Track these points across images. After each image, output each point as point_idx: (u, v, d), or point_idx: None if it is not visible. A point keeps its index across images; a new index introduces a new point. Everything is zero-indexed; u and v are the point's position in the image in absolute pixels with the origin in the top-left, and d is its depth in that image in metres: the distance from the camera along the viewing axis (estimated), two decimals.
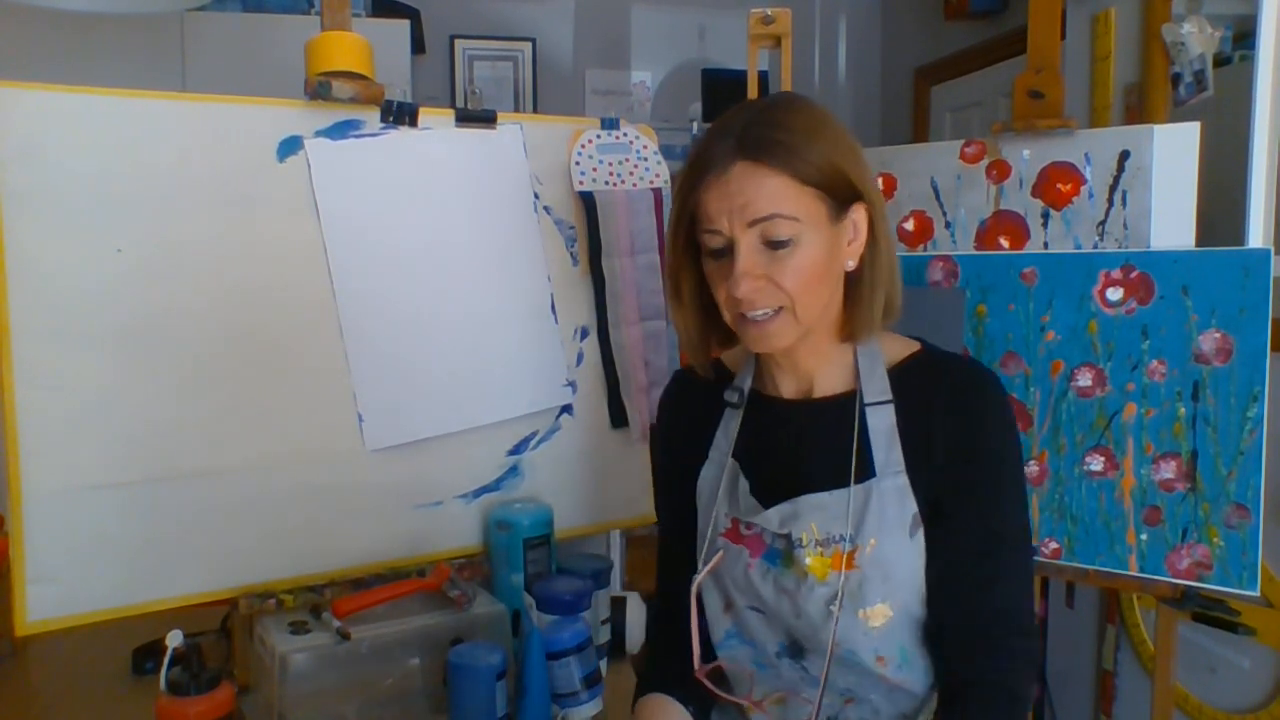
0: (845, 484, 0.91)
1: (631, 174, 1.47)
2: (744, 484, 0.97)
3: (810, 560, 0.91)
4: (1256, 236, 1.30)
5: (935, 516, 0.91)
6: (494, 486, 1.38)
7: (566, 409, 1.43)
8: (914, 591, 0.91)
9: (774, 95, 0.94)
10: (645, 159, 1.48)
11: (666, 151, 1.51)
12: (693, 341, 0.99)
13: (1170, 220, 1.35)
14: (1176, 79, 1.67)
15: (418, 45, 3.19)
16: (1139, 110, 1.95)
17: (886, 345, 0.97)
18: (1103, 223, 1.39)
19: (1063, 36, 2.02)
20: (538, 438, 1.41)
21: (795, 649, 0.96)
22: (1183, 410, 1.31)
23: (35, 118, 1.08)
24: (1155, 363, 1.32)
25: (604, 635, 1.32)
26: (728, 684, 1.01)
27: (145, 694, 1.17)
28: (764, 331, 0.90)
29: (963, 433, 0.91)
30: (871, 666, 0.92)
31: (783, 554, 0.93)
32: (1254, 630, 1.64)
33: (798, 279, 0.87)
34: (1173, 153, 1.35)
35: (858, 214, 0.91)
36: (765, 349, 0.92)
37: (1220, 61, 1.69)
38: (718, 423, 1.02)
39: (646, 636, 1.10)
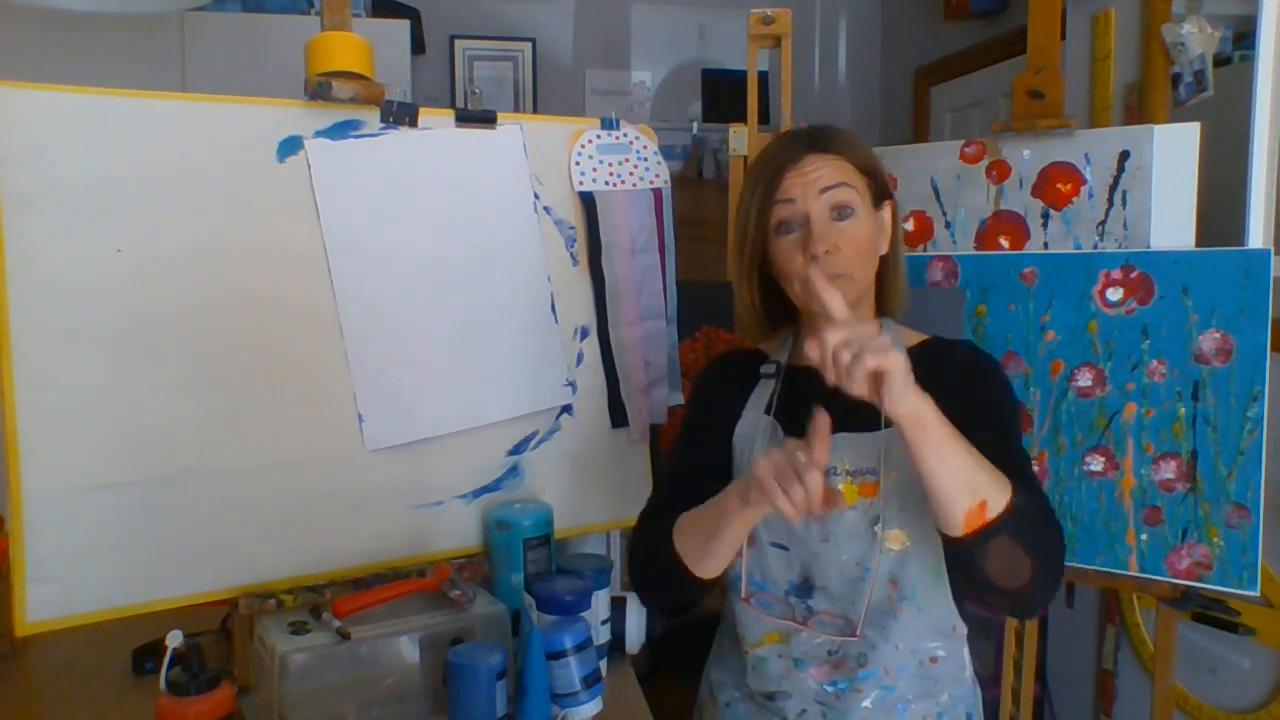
0: (872, 429, 1.03)
1: (632, 174, 1.47)
2: (780, 433, 1.09)
3: (843, 487, 1.04)
4: (1256, 236, 1.31)
5: None
6: (494, 486, 1.38)
7: (566, 409, 1.43)
8: (929, 524, 0.98)
9: (818, 124, 1.14)
10: (645, 159, 1.48)
11: (666, 151, 1.51)
12: (753, 312, 1.14)
13: (1170, 220, 1.35)
14: (1176, 79, 1.67)
15: (418, 45, 3.19)
16: (1139, 110, 1.95)
17: (903, 333, 1.13)
18: (1103, 223, 1.39)
19: (1063, 36, 2.02)
20: (538, 438, 1.41)
21: (804, 587, 1.07)
22: (1183, 410, 1.31)
23: (35, 118, 1.08)
24: (1155, 363, 1.32)
25: (604, 635, 1.32)
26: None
27: (145, 694, 1.17)
28: None
29: (968, 390, 1.02)
30: (885, 590, 1.03)
31: None
32: (1254, 630, 1.64)
33: (856, 248, 1.04)
34: (1173, 153, 1.35)
35: (887, 210, 1.10)
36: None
37: (1220, 61, 1.69)
38: (751, 392, 1.15)
39: (639, 548, 1.13)
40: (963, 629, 1.09)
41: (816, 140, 1.06)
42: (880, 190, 1.09)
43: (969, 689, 1.11)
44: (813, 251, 1.02)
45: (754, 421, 1.12)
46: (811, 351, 0.86)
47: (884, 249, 1.09)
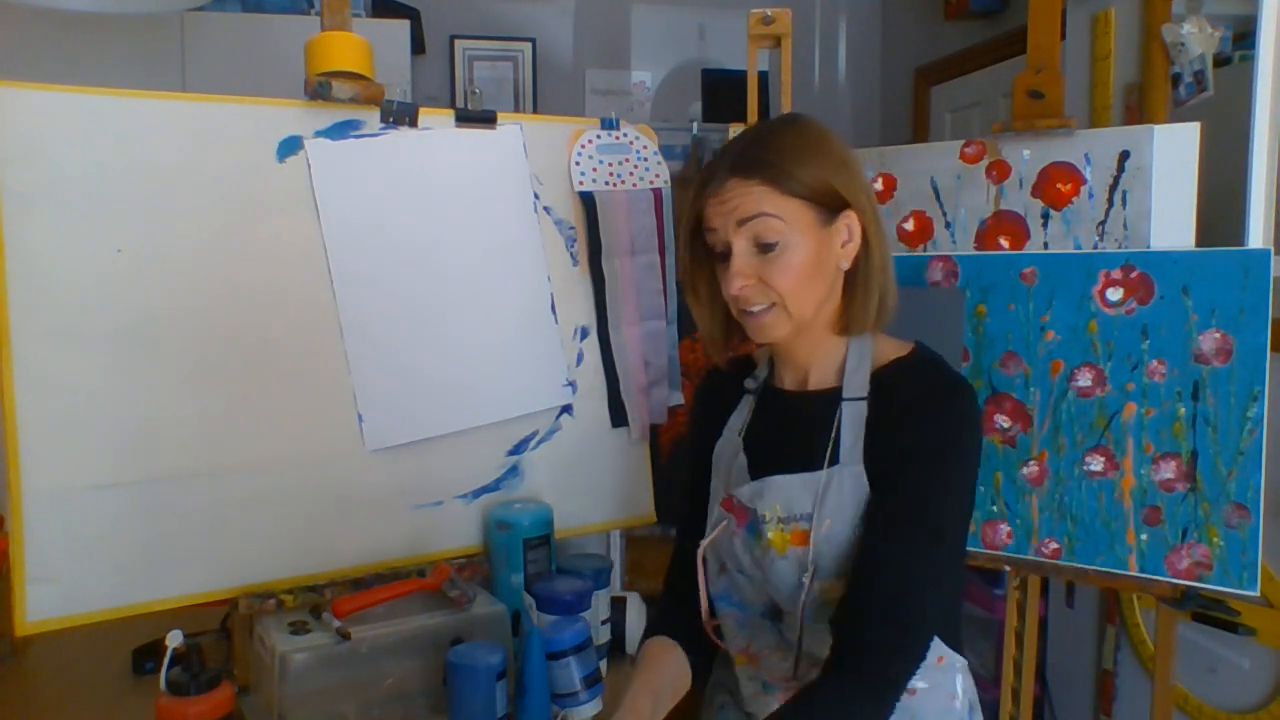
0: (815, 469, 0.99)
1: (631, 174, 1.47)
2: (741, 461, 1.07)
3: (771, 535, 1.00)
4: (1256, 236, 1.30)
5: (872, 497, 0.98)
6: (494, 486, 1.38)
7: (566, 409, 1.43)
8: None
9: (775, 118, 1.03)
10: (645, 159, 1.48)
11: (666, 151, 1.51)
12: (712, 335, 1.10)
13: (1170, 220, 1.35)
14: (1176, 79, 1.67)
15: (418, 45, 3.19)
16: (1139, 110, 1.95)
17: (881, 346, 1.04)
18: (1103, 223, 1.39)
19: (1063, 36, 2.02)
20: (538, 438, 1.41)
21: (775, 612, 1.05)
22: (1183, 410, 1.31)
23: (35, 118, 1.08)
24: (1155, 363, 1.32)
25: (604, 635, 1.32)
26: (724, 638, 1.11)
27: (145, 694, 1.17)
28: (759, 324, 1.00)
29: (913, 428, 0.97)
30: (826, 639, 0.98)
31: (755, 527, 1.03)
32: (1254, 630, 1.64)
33: (787, 278, 0.96)
34: (1173, 153, 1.35)
35: (849, 219, 0.99)
36: (762, 340, 1.02)
37: (1220, 61, 1.69)
38: (736, 406, 1.12)
39: (664, 587, 1.19)
40: (954, 660, 1.03)
41: (740, 164, 0.97)
42: (831, 204, 0.97)
43: (959, 718, 1.04)
44: (729, 291, 0.98)
45: (729, 440, 1.10)
46: None
47: (846, 264, 1.00)
